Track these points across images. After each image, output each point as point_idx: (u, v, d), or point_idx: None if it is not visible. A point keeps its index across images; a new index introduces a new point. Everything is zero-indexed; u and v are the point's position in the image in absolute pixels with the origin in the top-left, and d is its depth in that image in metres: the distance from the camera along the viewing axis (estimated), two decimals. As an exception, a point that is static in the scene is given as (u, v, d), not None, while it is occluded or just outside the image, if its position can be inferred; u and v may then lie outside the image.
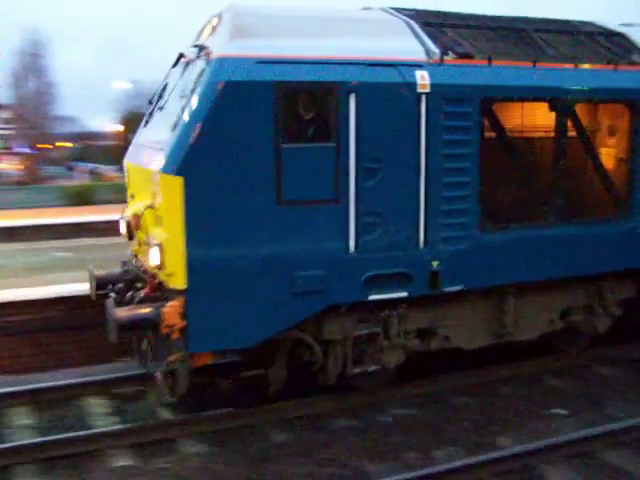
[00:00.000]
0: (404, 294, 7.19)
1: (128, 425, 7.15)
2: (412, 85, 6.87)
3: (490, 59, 7.35)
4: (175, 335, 6.47)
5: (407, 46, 7.06)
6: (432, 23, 7.56)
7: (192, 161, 6.24)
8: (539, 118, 7.79)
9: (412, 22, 7.39)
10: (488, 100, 7.29)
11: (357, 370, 7.38)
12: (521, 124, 7.73)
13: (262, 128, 6.40)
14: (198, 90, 6.37)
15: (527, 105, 7.73)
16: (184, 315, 6.40)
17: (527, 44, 7.84)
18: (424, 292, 7.29)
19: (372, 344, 7.38)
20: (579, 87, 7.75)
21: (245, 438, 6.93)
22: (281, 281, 6.64)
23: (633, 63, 8.20)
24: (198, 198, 6.28)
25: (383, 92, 6.77)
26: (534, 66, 7.57)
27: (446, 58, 7.16)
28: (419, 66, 6.94)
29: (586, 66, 7.89)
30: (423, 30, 7.32)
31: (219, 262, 6.44)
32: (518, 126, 7.73)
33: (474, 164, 7.26)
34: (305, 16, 7.09)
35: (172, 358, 6.56)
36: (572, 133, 7.93)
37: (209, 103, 6.25)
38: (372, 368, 7.45)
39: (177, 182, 6.21)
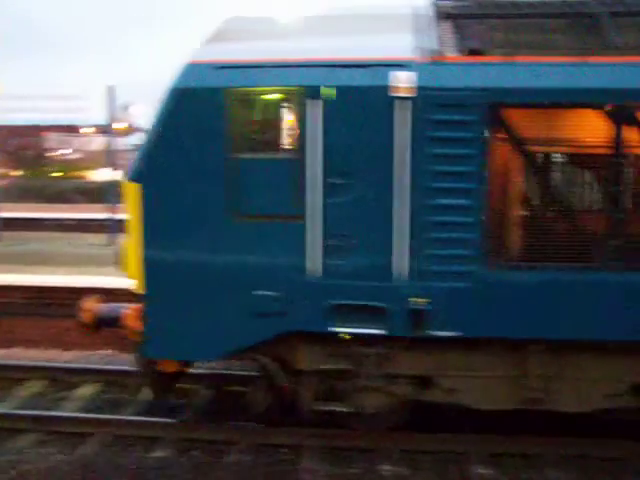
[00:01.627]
0: (381, 332, 6.18)
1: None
2: (388, 88, 5.86)
3: (511, 54, 5.89)
4: (136, 337, 6.57)
5: (394, 43, 6.06)
6: (456, 15, 6.35)
7: (149, 169, 6.26)
8: (584, 129, 5.95)
9: (423, 15, 6.31)
10: (501, 106, 5.85)
11: (322, 407, 6.56)
12: (555, 136, 6.01)
13: (215, 137, 6.11)
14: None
15: (568, 112, 5.99)
16: (143, 320, 6.46)
17: (589, 33, 6.09)
18: (403, 333, 6.16)
19: (344, 383, 6.49)
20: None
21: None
22: (237, 299, 6.27)
23: None
24: (154, 206, 6.28)
25: (351, 97, 5.92)
26: (584, 62, 5.84)
27: (445, 55, 5.96)
28: (400, 66, 5.89)
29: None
30: (433, 24, 6.20)
31: (173, 271, 6.35)
32: (549, 138, 6.02)
33: (478, 184, 5.89)
34: (293, 18, 6.56)
35: (136, 359, 6.68)
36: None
37: (165, 111, 6.20)
38: (340, 408, 6.55)
39: (135, 189, 6.29)
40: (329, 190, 6.02)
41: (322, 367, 6.47)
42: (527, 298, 6.03)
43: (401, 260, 6.04)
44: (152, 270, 6.33)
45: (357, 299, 6.15)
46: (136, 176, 6.27)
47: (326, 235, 6.08)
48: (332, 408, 6.57)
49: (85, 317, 6.72)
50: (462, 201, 5.94)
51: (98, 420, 7.14)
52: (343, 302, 6.16)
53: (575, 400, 6.45)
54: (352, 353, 6.42)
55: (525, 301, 6.03)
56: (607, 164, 5.89)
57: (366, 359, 6.42)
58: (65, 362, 9.05)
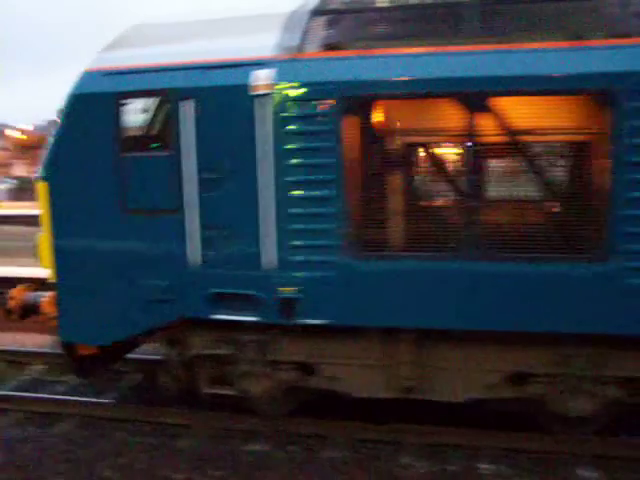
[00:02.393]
0: (255, 319, 6.49)
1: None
2: (245, 86, 6.15)
3: (367, 48, 6.01)
4: (53, 323, 7.23)
5: (257, 44, 6.32)
6: (327, 10, 6.52)
7: (53, 168, 6.88)
8: (437, 118, 5.95)
9: (299, 13, 6.52)
10: (356, 98, 5.98)
11: (212, 390, 6.95)
12: (414, 126, 6.05)
13: (106, 138, 6.63)
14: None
15: (428, 103, 6.01)
16: (56, 306, 7.12)
17: (446, 22, 6.08)
18: (277, 320, 6.43)
19: (230, 367, 6.85)
20: (508, 75, 5.67)
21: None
22: (131, 287, 6.77)
23: (618, 35, 5.59)
24: (60, 201, 6.90)
25: (216, 97, 6.25)
26: (442, 51, 5.86)
27: (306, 52, 6.16)
28: (260, 64, 6.16)
29: (531, 45, 5.72)
30: (305, 21, 6.40)
31: (77, 261, 6.94)
32: (409, 129, 6.07)
33: (337, 176, 6.06)
34: (180, 22, 6.97)
35: (57, 342, 7.35)
36: (502, 138, 5.84)
37: (64, 115, 6.80)
38: (228, 392, 6.90)
39: (44, 187, 6.95)
40: (203, 185, 6.39)
41: (210, 352, 6.87)
42: (386, 287, 6.13)
43: (269, 250, 6.32)
44: (61, 260, 6.96)
45: (232, 287, 6.49)
46: (43, 175, 6.92)
47: (202, 227, 6.46)
48: (221, 392, 6.95)
49: (11, 305, 7.46)
50: (322, 192, 6.12)
51: (194, 414, 7.33)
52: (221, 290, 6.52)
53: (449, 389, 6.47)
54: (236, 339, 6.78)
55: (385, 290, 6.14)
56: (458, 153, 5.89)
57: (248, 345, 6.75)
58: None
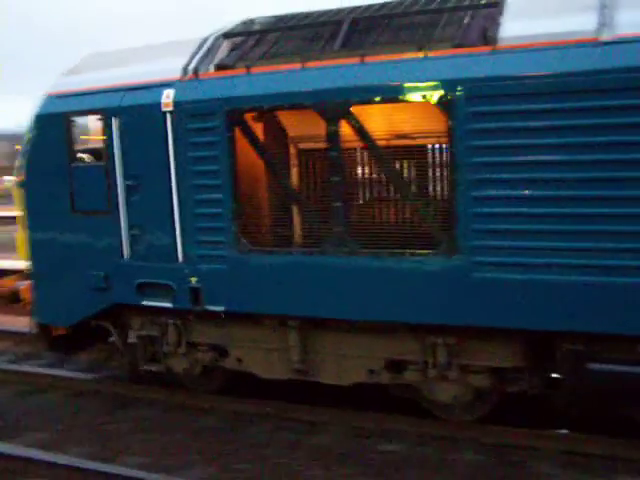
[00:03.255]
0: (169, 305, 7.46)
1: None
2: (158, 105, 7.13)
3: (249, 67, 6.79)
4: (30, 307, 8.62)
5: (169, 66, 7.26)
6: (233, 34, 7.35)
7: (26, 177, 8.25)
8: (320, 127, 6.54)
9: (208, 38, 7.41)
10: (238, 112, 6.77)
11: (146, 367, 7.99)
12: (291, 135, 6.72)
13: (59, 151, 7.88)
14: (31, 123, 8.28)
15: (301, 114, 6.67)
16: (32, 292, 8.50)
17: (321, 40, 6.71)
18: (187, 307, 7.35)
19: (158, 347, 7.86)
20: (362, 85, 6.23)
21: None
22: (80, 277, 7.98)
23: (457, 45, 5.98)
24: (31, 205, 8.27)
25: (136, 114, 7.28)
26: (304, 67, 6.54)
27: (201, 73, 7.04)
28: (168, 85, 7.11)
29: (380, 57, 6.24)
30: (212, 44, 7.29)
31: (42, 255, 8.26)
32: (285, 138, 6.75)
33: (226, 181, 6.89)
34: (122, 50, 8.05)
35: (31, 323, 8.72)
36: (358, 143, 6.41)
37: (30, 133, 8.14)
38: (156, 368, 7.91)
39: (20, 193, 8.35)
40: (127, 190, 7.46)
41: (142, 333, 7.93)
42: (273, 278, 6.86)
43: (179, 246, 7.27)
44: (33, 253, 8.31)
45: (153, 278, 7.50)
46: (19, 183, 8.31)
47: (129, 226, 7.53)
48: (152, 369, 7.98)
49: (2, 292, 8.94)
50: (214, 195, 6.97)
51: (330, 412, 7.44)
52: (145, 280, 7.55)
53: (335, 373, 7.08)
54: (160, 322, 7.79)
55: (272, 281, 6.87)
56: (327, 159, 6.50)
57: (169, 328, 7.74)
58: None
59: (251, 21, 7.72)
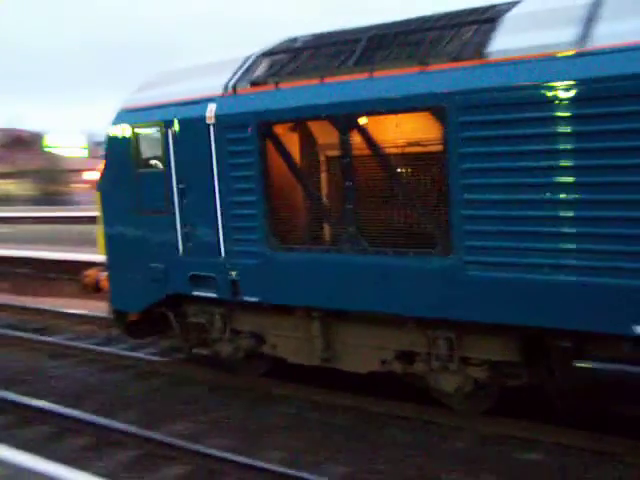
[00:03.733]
0: (214, 295, 8.41)
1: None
2: (203, 118, 8.08)
3: (277, 83, 7.57)
4: (108, 295, 9.91)
5: (213, 83, 8.17)
6: (270, 52, 8.16)
7: (103, 182, 9.53)
8: (336, 138, 7.17)
9: (250, 56, 8.26)
10: (269, 124, 7.56)
11: (198, 350, 8.97)
12: (320, 144, 7.41)
13: (129, 159, 9.06)
14: (111, 133, 9.52)
15: (322, 125, 7.35)
16: (109, 282, 9.78)
17: (340, 56, 7.36)
18: (228, 297, 8.26)
19: (206, 333, 8.83)
20: (369, 98, 6.85)
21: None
22: (145, 269, 9.13)
23: (451, 60, 6.43)
24: (106, 205, 9.54)
25: (186, 126, 8.28)
26: (322, 83, 7.23)
27: (239, 89, 7.91)
28: (211, 100, 8.04)
29: (383, 73, 6.82)
30: (253, 62, 8.14)
31: (115, 249, 9.50)
32: (315, 146, 7.44)
33: (258, 185, 7.71)
34: (177, 69, 9.07)
35: (110, 310, 10.00)
36: (368, 151, 7.00)
37: (106, 143, 9.40)
38: (206, 352, 8.87)
39: (98, 195, 9.65)
40: (180, 193, 8.48)
41: (194, 320, 8.94)
42: (298, 273, 7.62)
43: (222, 243, 8.19)
44: (108, 248, 9.57)
45: (201, 271, 8.48)
46: (97, 187, 9.60)
47: (182, 225, 8.55)
48: (200, 352, 8.97)
49: (86, 281, 10.27)
50: (248, 198, 7.82)
51: (464, 417, 7.45)
52: (195, 273, 8.55)
53: (353, 362, 7.72)
54: (208, 311, 8.75)
55: (297, 275, 7.63)
56: (341, 166, 7.16)
57: (215, 316, 8.69)
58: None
59: (293, 39, 8.49)
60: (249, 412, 8.25)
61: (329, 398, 8.32)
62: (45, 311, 14.43)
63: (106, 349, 11.21)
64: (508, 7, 6.71)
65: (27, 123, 73.21)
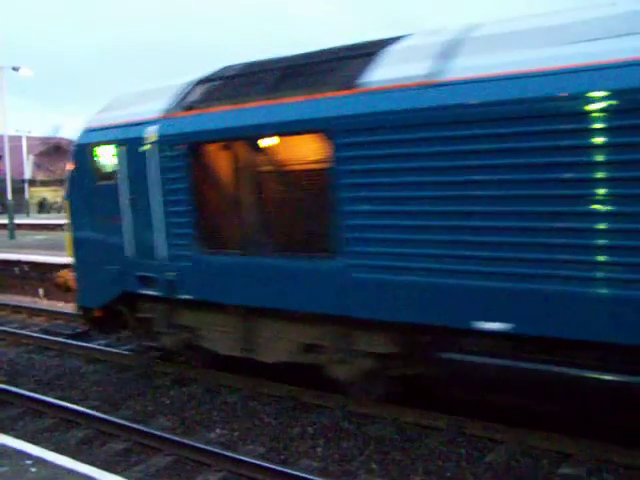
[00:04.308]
0: (157, 293, 9.51)
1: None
2: (145, 137, 9.21)
3: (202, 108, 8.67)
4: (74, 293, 11.11)
5: (156, 107, 9.30)
6: (208, 79, 9.25)
7: (70, 192, 10.75)
8: (247, 156, 8.23)
9: (189, 83, 9.37)
10: (195, 144, 8.65)
11: (147, 342, 10.08)
12: (234, 162, 8.45)
13: (90, 173, 10.25)
14: (78, 148, 10.72)
15: (238, 145, 8.40)
16: (75, 281, 10.98)
17: (259, 84, 8.39)
18: (168, 295, 9.35)
19: (153, 327, 9.94)
20: (272, 122, 7.88)
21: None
22: (103, 270, 10.29)
23: (339, 88, 7.43)
24: (73, 213, 10.75)
25: (134, 145, 9.42)
26: (238, 108, 8.29)
27: (174, 113, 9.02)
28: (154, 122, 9.17)
29: (284, 100, 7.84)
30: (189, 89, 9.25)
31: (80, 252, 10.69)
32: (231, 164, 8.49)
33: (189, 196, 8.80)
34: (133, 92, 10.23)
35: (75, 306, 11.18)
36: (272, 168, 8.03)
37: (72, 158, 10.61)
38: (153, 344, 9.98)
39: (67, 203, 10.87)
40: (130, 203, 9.62)
41: (142, 316, 10.05)
42: (220, 274, 8.67)
43: (161, 247, 9.30)
44: (75, 251, 10.77)
45: (146, 272, 9.59)
46: (66, 197, 10.82)
47: (131, 231, 9.69)
48: (148, 344, 10.07)
49: (58, 281, 11.47)
50: (182, 208, 8.92)
51: (505, 429, 7.35)
52: (142, 273, 9.67)
53: (267, 353, 8.72)
54: (154, 307, 9.86)
55: (220, 276, 8.68)
56: (253, 181, 8.20)
57: (159, 312, 9.79)
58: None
59: (227, 67, 9.57)
60: (283, 420, 8.28)
61: (364, 408, 8.32)
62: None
63: (144, 356, 10.92)
64: (388, 43, 7.68)
65: (65, 131, 74.76)
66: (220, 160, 8.66)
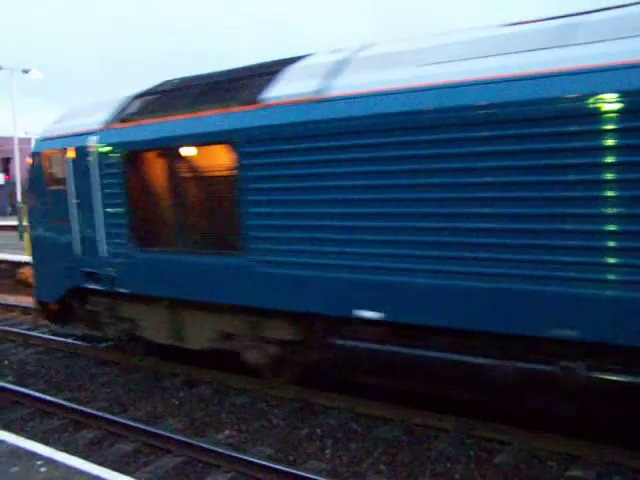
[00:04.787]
0: (100, 288, 10.46)
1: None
2: (88, 146, 10.17)
3: (134, 121, 9.61)
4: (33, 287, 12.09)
5: (98, 119, 10.26)
6: (145, 93, 10.20)
7: (27, 196, 11.72)
8: (171, 164, 9.19)
9: (128, 97, 10.32)
10: (129, 153, 9.60)
11: (90, 332, 11.05)
12: (161, 169, 9.40)
13: (42, 178, 11.23)
14: (36, 156, 11.70)
15: (164, 153, 9.33)
16: (33, 277, 11.97)
17: (188, 100, 9.32)
18: (109, 289, 10.30)
19: (99, 319, 10.91)
20: (190, 134, 8.81)
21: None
22: (56, 267, 11.26)
23: (243, 103, 8.34)
24: (30, 215, 11.73)
25: (78, 153, 10.39)
26: (165, 120, 9.23)
27: (112, 125, 9.97)
28: (95, 133, 10.13)
29: (201, 114, 8.77)
30: (127, 102, 10.20)
31: (37, 251, 11.68)
32: (158, 170, 9.43)
33: (123, 200, 9.75)
34: (82, 105, 11.20)
35: (33, 301, 12.15)
36: (191, 175, 8.97)
37: (30, 164, 11.59)
38: (99, 334, 10.94)
39: (25, 207, 11.85)
40: (76, 206, 10.58)
41: (90, 309, 11.01)
42: (151, 270, 9.61)
43: (103, 245, 10.25)
44: (33, 250, 11.75)
45: (91, 268, 10.54)
46: (24, 200, 11.79)
47: (78, 231, 10.65)
48: (97, 334, 11.02)
49: (20, 277, 12.45)
50: (119, 210, 9.86)
51: (513, 431, 7.37)
52: (88, 270, 10.63)
53: (192, 341, 9.65)
54: (99, 301, 10.81)
55: (150, 271, 9.62)
56: (175, 186, 9.15)
57: (104, 304, 10.74)
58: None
59: (164, 82, 10.52)
60: (291, 422, 8.32)
61: (372, 409, 8.36)
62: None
63: (151, 358, 11.11)
64: (290, 62, 8.59)
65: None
66: (149, 168, 9.61)
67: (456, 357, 7.11)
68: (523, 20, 7.31)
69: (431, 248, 6.88)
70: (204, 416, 8.69)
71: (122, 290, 10.11)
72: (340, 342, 7.95)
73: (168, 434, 7.83)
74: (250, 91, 8.45)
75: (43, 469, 6.33)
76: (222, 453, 7.25)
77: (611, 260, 5.90)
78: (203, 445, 7.47)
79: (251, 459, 7.02)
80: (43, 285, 11.70)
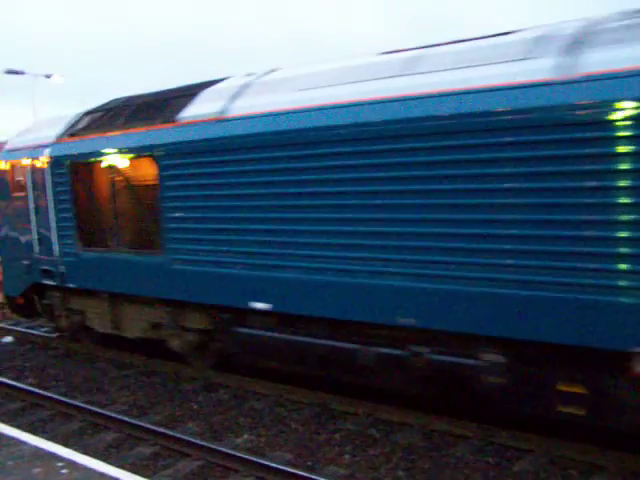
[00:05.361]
0: (53, 283, 11.73)
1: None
2: (43, 158, 11.46)
3: (79, 135, 10.88)
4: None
5: (52, 133, 11.54)
6: (94, 110, 11.46)
7: (-2, 202, 13.08)
8: (107, 175, 10.44)
9: (79, 114, 11.60)
10: (74, 164, 10.87)
11: (50, 323, 12.31)
12: (99, 178, 10.65)
13: (8, 185, 12.55)
14: (5, 166, 13.03)
15: (101, 164, 10.59)
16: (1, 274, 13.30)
17: (123, 118, 10.56)
18: (60, 284, 11.56)
19: (54, 311, 12.19)
20: (122, 148, 10.06)
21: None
22: (19, 264, 12.56)
23: (166, 122, 9.55)
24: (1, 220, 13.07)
25: (35, 163, 11.69)
26: (104, 136, 10.49)
27: (62, 138, 11.26)
28: (48, 146, 11.42)
29: (131, 130, 10.01)
30: (77, 119, 11.48)
31: (4, 250, 13.00)
32: (97, 179, 10.69)
33: (70, 205, 11.03)
34: (44, 119, 12.50)
35: (2, 296, 13.48)
36: (124, 184, 10.21)
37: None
38: (54, 325, 12.20)
39: (-4, 211, 13.21)
40: (34, 210, 11.88)
41: (47, 302, 12.29)
42: (93, 266, 10.86)
43: (55, 245, 11.52)
44: (1, 249, 13.09)
45: (47, 266, 11.82)
46: (-5, 205, 13.16)
47: (36, 233, 11.94)
48: (53, 324, 12.29)
49: None
50: (67, 214, 11.13)
51: (535, 439, 7.27)
52: (44, 267, 11.91)
53: (128, 330, 10.87)
54: (54, 295, 12.09)
55: (92, 268, 10.87)
56: (110, 193, 10.39)
57: (57, 299, 12.01)
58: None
59: (113, 100, 11.78)
60: (309, 427, 8.26)
61: (392, 415, 8.33)
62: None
63: (169, 362, 11.13)
64: (207, 85, 9.79)
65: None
66: (90, 177, 10.89)
67: (329, 342, 8.23)
68: (396, 49, 8.42)
69: (303, 248, 8.03)
70: (222, 420, 8.67)
71: (71, 285, 11.37)
72: (241, 330, 9.11)
73: (187, 438, 7.83)
74: (170, 111, 9.67)
75: (64, 471, 6.35)
76: (240, 457, 7.22)
77: (438, 258, 7.00)
78: (222, 449, 7.42)
79: (269, 464, 6.96)
80: (10, 281, 13.01)
